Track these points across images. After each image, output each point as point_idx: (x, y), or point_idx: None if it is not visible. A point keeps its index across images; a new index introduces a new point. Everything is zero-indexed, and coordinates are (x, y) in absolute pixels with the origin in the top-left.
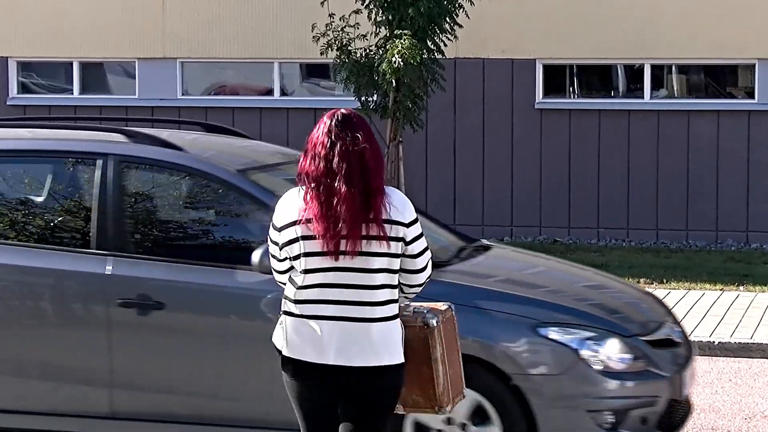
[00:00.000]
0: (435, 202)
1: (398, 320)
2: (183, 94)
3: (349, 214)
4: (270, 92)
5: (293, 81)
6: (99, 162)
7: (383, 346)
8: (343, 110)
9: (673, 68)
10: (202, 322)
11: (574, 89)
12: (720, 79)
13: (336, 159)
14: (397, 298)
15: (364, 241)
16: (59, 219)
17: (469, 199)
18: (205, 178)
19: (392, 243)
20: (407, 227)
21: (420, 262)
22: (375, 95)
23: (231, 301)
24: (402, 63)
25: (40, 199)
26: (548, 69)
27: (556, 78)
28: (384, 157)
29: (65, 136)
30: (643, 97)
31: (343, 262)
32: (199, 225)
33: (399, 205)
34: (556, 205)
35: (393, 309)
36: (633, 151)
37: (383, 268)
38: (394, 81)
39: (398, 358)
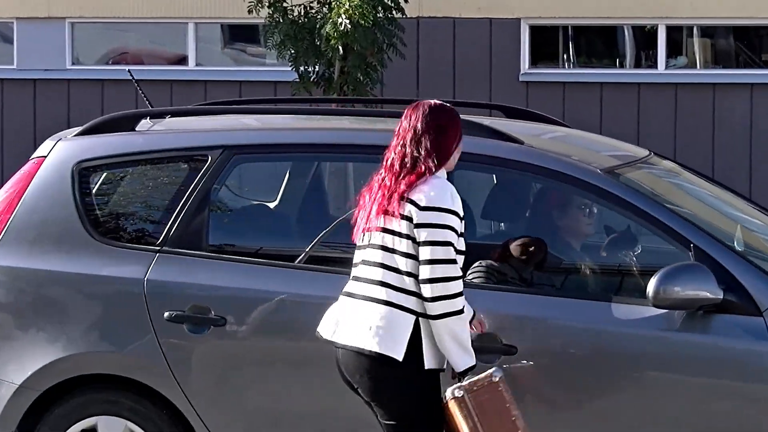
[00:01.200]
0: None
1: (412, 315)
2: (73, 64)
3: (380, 191)
4: (183, 60)
5: (213, 47)
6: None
7: (374, 330)
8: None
9: (695, 30)
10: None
11: (568, 57)
12: (753, 44)
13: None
14: (414, 289)
15: (382, 217)
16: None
17: None
18: (562, 181)
19: (403, 222)
20: (420, 210)
21: (424, 269)
22: (317, 65)
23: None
24: (350, 24)
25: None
26: (536, 31)
27: (547, 43)
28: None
29: (359, 126)
30: (656, 67)
31: (366, 238)
32: (562, 248)
33: (428, 188)
34: None
35: (405, 299)
36: (644, 133)
37: (393, 248)
38: (340, 47)
39: (390, 351)
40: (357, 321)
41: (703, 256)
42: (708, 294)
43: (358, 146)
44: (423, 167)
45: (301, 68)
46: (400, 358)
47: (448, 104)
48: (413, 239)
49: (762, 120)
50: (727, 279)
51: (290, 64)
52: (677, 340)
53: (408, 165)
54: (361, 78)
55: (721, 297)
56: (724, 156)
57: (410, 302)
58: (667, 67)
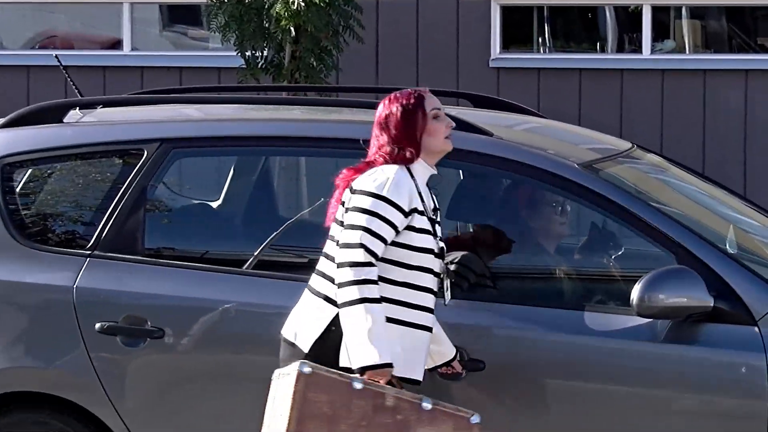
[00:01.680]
0: None
1: (333, 308)
2: None
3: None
4: (117, 45)
5: (150, 29)
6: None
7: (296, 318)
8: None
9: (684, 11)
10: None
11: (544, 40)
12: (748, 26)
13: None
14: (330, 274)
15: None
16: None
17: None
18: (535, 176)
19: (342, 209)
20: (351, 193)
21: (339, 252)
22: (265, 49)
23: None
24: (303, 4)
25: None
26: (508, 12)
27: (520, 24)
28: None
29: (313, 117)
30: (641, 52)
31: None
32: (535, 250)
33: (368, 173)
34: None
35: (332, 289)
36: (627, 124)
37: (334, 237)
38: (291, 29)
39: (297, 339)
40: (294, 310)
41: (691, 260)
42: (697, 301)
43: (312, 139)
44: (375, 156)
45: (248, 53)
46: (305, 349)
47: (416, 90)
48: None
49: (758, 109)
50: (718, 284)
51: (236, 48)
52: (662, 353)
53: (367, 155)
54: (315, 63)
55: (712, 304)
56: (716, 149)
57: (332, 291)
58: (652, 51)
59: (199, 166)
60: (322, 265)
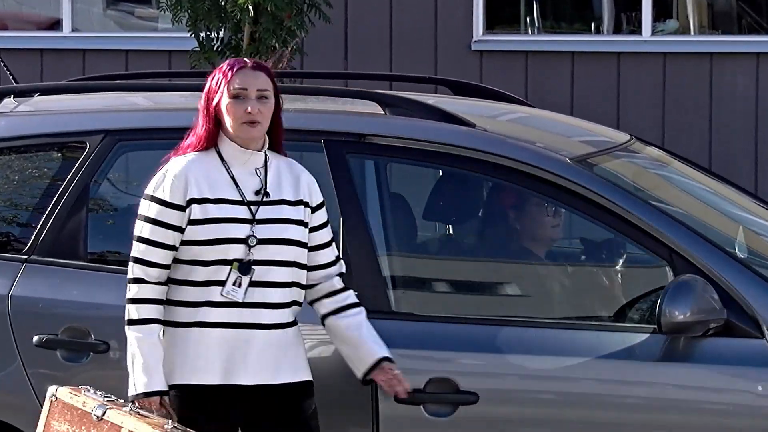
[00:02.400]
0: None
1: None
2: None
3: None
4: (56, 25)
5: (92, 8)
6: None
7: None
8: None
9: None
10: None
11: (532, 20)
12: (759, 5)
13: None
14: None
15: None
16: None
17: None
18: (523, 172)
19: None
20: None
21: None
22: (221, 29)
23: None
24: None
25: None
26: None
27: (505, 3)
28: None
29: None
30: (640, 33)
31: None
32: (524, 257)
33: None
34: None
35: None
36: (625, 114)
37: None
38: (250, 7)
39: None
40: None
41: (697, 265)
42: (717, 314)
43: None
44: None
45: (202, 34)
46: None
47: (234, 61)
48: None
49: None
50: (724, 294)
51: (188, 28)
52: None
53: None
54: (276, 46)
55: (725, 316)
56: (723, 141)
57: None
58: (653, 32)
59: (148, 161)
60: None
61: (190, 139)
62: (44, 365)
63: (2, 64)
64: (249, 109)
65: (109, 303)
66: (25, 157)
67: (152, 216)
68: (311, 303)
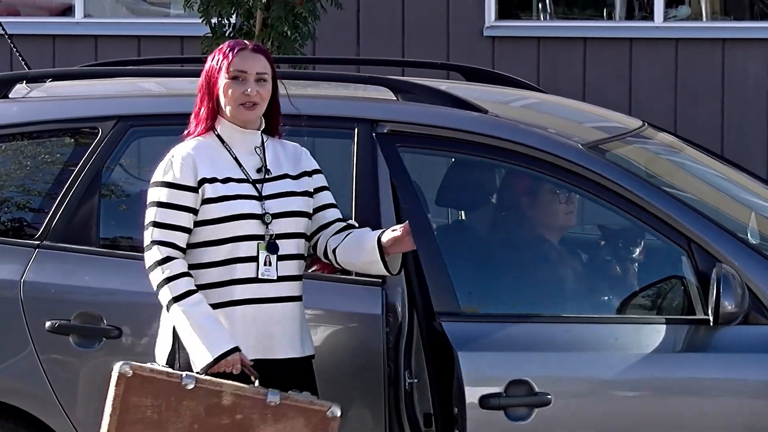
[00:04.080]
0: None
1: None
2: None
3: None
4: (68, 11)
5: None
6: (355, 131)
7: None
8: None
9: None
10: None
11: (544, 6)
12: None
13: None
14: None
15: None
16: None
17: None
18: (535, 158)
19: None
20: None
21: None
22: (233, 16)
23: None
24: None
25: None
26: None
27: None
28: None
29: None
30: (652, 18)
31: None
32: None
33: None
34: None
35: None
36: (637, 98)
37: None
38: None
39: (157, 357)
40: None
41: (709, 252)
42: (747, 303)
43: (286, 116)
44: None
45: (214, 20)
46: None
47: (234, 42)
48: None
49: None
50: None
51: (200, 14)
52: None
53: None
54: (289, 32)
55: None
56: (735, 127)
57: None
58: (665, 18)
59: (160, 147)
60: None
61: (193, 124)
62: (57, 351)
63: (15, 49)
64: (248, 90)
65: (121, 288)
66: (37, 143)
67: (165, 200)
68: (324, 256)
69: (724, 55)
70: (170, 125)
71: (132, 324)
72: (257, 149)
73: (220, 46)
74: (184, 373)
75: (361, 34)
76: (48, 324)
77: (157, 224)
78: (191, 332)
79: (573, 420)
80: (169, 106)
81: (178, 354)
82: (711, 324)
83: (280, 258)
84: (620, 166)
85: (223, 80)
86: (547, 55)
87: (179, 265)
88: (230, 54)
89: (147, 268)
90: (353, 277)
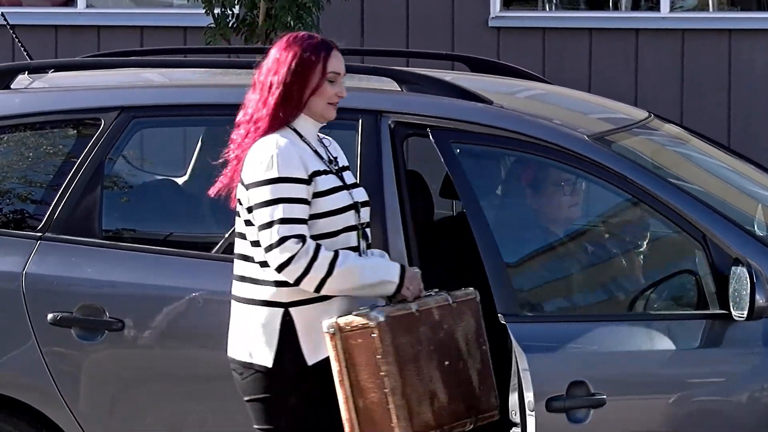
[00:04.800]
0: None
1: (278, 308)
2: None
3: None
4: (71, 1)
5: None
6: (359, 123)
7: (240, 334)
8: None
9: None
10: None
11: None
12: None
13: None
14: (257, 276)
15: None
16: None
17: None
18: (540, 150)
19: (239, 206)
20: (246, 188)
21: (270, 257)
22: (236, 6)
23: None
24: None
25: None
26: None
27: None
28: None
29: None
30: (658, 9)
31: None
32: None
33: (253, 156)
34: None
35: (250, 290)
36: (643, 91)
37: (242, 231)
38: None
39: (257, 358)
40: (231, 326)
41: (716, 244)
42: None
43: None
44: (253, 121)
45: (217, 10)
46: (268, 364)
47: (323, 39)
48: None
49: None
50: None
51: (203, 5)
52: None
53: (245, 117)
54: (292, 23)
55: None
56: (742, 119)
57: (253, 291)
58: (671, 9)
59: (163, 138)
60: (236, 266)
61: (266, 118)
62: (59, 344)
63: (17, 40)
64: (341, 92)
65: (123, 281)
66: (39, 134)
67: (287, 195)
68: None
69: (730, 45)
70: (173, 116)
71: (134, 316)
72: (323, 141)
73: (299, 42)
74: (412, 304)
75: (365, 24)
76: (50, 316)
77: (284, 220)
78: (367, 277)
79: (628, 420)
80: (172, 97)
81: (285, 354)
82: (744, 318)
83: (368, 246)
84: (626, 157)
85: (316, 79)
86: (552, 45)
87: (313, 244)
88: (326, 54)
89: (279, 266)
90: None
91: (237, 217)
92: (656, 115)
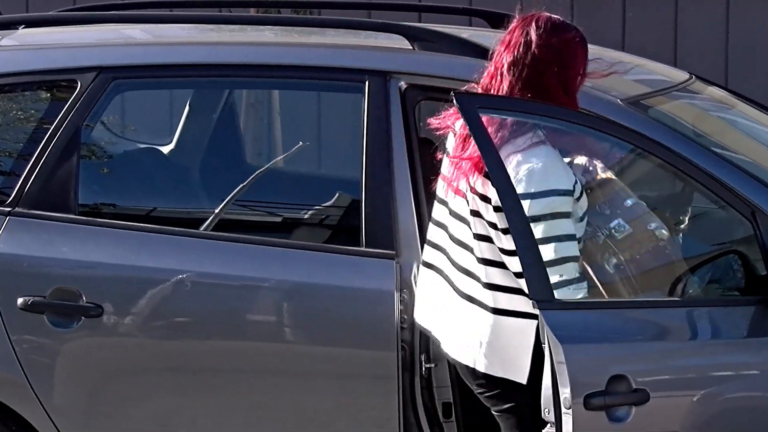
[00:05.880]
0: None
1: (531, 321)
2: None
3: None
4: None
5: None
6: (365, 84)
7: (472, 339)
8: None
9: None
10: None
11: None
12: None
13: None
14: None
15: (480, 180)
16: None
17: None
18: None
19: (476, 199)
20: (527, 197)
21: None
22: None
23: None
24: None
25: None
26: None
27: None
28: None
29: (289, 40)
30: None
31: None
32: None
33: (532, 164)
34: None
35: (520, 302)
36: (683, 50)
37: (491, 234)
38: None
39: (509, 372)
40: (460, 331)
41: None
42: None
43: (287, 67)
44: (530, 134)
45: None
46: (523, 380)
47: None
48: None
49: None
50: None
51: None
52: None
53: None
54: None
55: None
56: None
57: (521, 304)
58: None
59: (146, 102)
60: (478, 269)
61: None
62: (30, 331)
63: None
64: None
65: (102, 261)
66: (8, 98)
67: (570, 210)
68: None
69: None
70: (157, 78)
71: (114, 301)
72: None
73: (573, 37)
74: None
75: None
76: (20, 301)
77: (572, 237)
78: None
79: (673, 418)
80: (156, 55)
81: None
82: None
83: None
84: (665, 123)
85: (577, 76)
86: (581, 0)
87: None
88: (587, 53)
89: (560, 282)
90: (362, 249)
91: (478, 204)
92: (698, 77)
